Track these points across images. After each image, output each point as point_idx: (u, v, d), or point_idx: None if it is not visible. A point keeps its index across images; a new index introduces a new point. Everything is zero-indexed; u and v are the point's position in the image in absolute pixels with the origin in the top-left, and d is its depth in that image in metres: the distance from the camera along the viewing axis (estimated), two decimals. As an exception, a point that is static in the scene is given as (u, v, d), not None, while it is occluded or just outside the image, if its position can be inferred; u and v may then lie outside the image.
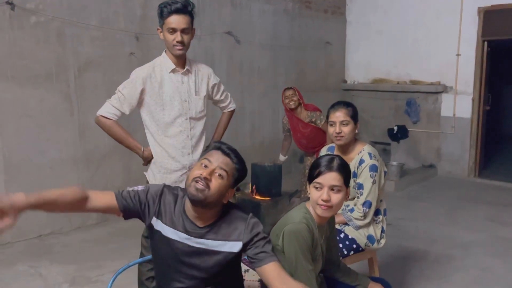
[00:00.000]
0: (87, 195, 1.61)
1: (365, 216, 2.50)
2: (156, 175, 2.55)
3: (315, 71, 6.87)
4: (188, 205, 1.71)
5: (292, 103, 4.16)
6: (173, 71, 2.51)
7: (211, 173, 1.66)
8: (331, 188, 1.83)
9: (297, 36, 6.48)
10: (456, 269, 3.44)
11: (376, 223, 2.63)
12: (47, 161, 4.02)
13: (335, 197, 1.83)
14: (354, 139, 2.59)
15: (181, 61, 2.52)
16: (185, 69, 2.53)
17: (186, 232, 1.71)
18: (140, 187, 1.77)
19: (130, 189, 1.76)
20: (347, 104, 2.59)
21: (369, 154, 2.50)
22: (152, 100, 2.49)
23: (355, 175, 2.52)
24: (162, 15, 2.39)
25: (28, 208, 1.39)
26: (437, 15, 6.41)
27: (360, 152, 2.54)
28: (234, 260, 1.75)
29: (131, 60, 4.43)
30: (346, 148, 2.57)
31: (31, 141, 3.91)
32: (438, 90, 6.47)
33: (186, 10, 2.38)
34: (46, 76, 3.95)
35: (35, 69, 3.88)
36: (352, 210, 2.53)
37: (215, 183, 1.65)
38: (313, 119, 4.14)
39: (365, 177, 2.47)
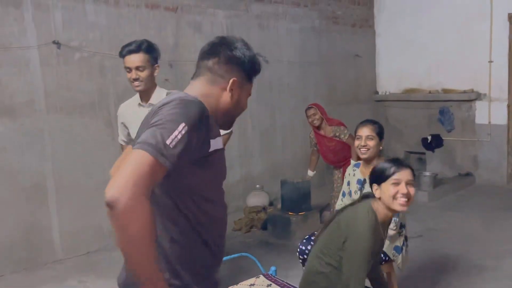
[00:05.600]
0: None
1: (395, 226, 2.65)
2: None
3: (345, 84, 6.95)
4: None
5: (315, 121, 4.29)
6: (139, 105, 2.80)
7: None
8: (407, 182, 2.02)
9: (325, 51, 6.59)
10: (487, 281, 3.43)
11: (400, 235, 2.79)
12: (93, 183, 4.35)
13: (412, 191, 2.03)
14: (378, 156, 2.76)
15: (145, 96, 2.77)
16: (148, 103, 2.75)
17: None
18: (179, 133, 1.21)
19: (172, 144, 1.18)
20: (373, 122, 2.83)
21: None
22: (130, 130, 2.87)
23: None
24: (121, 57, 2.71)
25: None
26: (467, 22, 6.34)
27: None
28: None
29: (165, 86, 4.71)
30: (370, 163, 2.73)
31: (79, 165, 4.27)
32: (471, 98, 6.39)
33: (139, 50, 2.63)
34: (90, 105, 4.32)
35: (80, 100, 4.25)
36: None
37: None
38: (337, 134, 4.24)
39: None
